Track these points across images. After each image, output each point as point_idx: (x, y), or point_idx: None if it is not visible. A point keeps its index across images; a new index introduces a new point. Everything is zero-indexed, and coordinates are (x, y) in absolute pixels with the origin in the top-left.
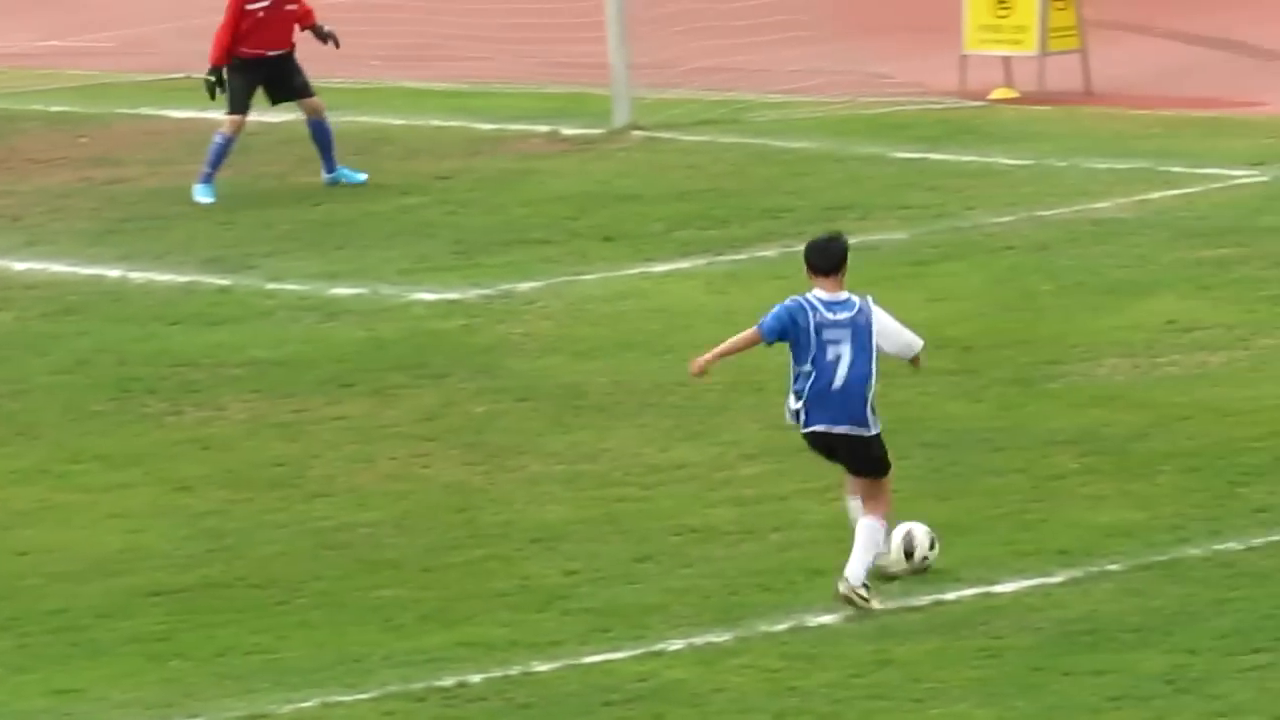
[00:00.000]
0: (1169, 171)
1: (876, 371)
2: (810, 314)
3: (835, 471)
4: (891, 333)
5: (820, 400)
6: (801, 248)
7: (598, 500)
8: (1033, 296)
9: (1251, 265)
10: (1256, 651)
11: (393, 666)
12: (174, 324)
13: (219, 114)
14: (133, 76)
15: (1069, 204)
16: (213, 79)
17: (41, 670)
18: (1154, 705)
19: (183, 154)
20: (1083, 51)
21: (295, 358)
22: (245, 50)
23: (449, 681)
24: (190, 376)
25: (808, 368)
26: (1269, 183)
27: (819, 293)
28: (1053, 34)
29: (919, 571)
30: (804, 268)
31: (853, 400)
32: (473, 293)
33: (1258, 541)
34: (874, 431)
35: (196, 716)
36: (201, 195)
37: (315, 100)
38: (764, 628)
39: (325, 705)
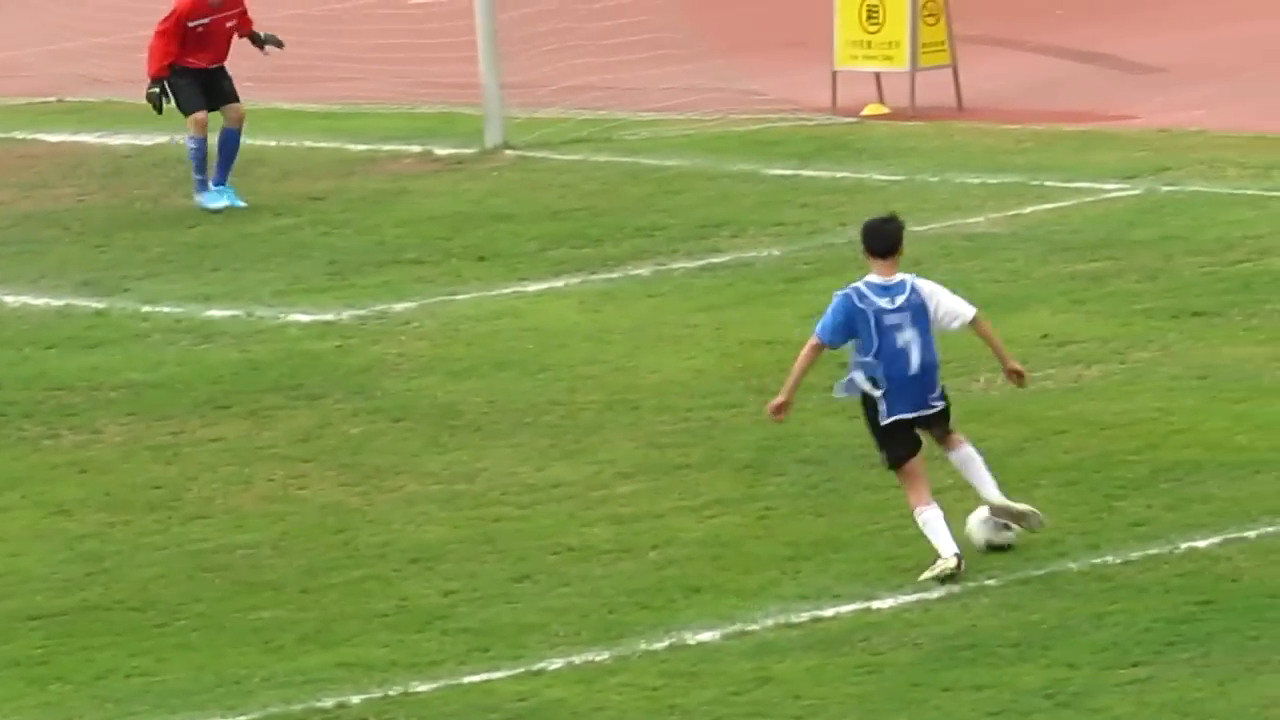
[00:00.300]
0: (1041, 186)
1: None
2: (866, 307)
3: (713, 489)
4: (946, 305)
5: (900, 390)
6: (675, 265)
7: (475, 520)
8: None
9: (1125, 279)
10: (1135, 665)
11: (273, 688)
12: (49, 348)
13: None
14: (4, 100)
15: (942, 219)
16: (156, 90)
17: None
18: (1034, 719)
19: (56, 178)
20: (954, 66)
21: (171, 380)
22: (183, 62)
23: (329, 703)
24: (66, 400)
25: (872, 359)
26: (1141, 196)
27: (872, 278)
28: (924, 49)
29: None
30: (860, 250)
31: (930, 382)
32: (347, 313)
33: (1135, 555)
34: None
35: None
36: (209, 201)
37: (239, 107)
38: (643, 646)
39: None
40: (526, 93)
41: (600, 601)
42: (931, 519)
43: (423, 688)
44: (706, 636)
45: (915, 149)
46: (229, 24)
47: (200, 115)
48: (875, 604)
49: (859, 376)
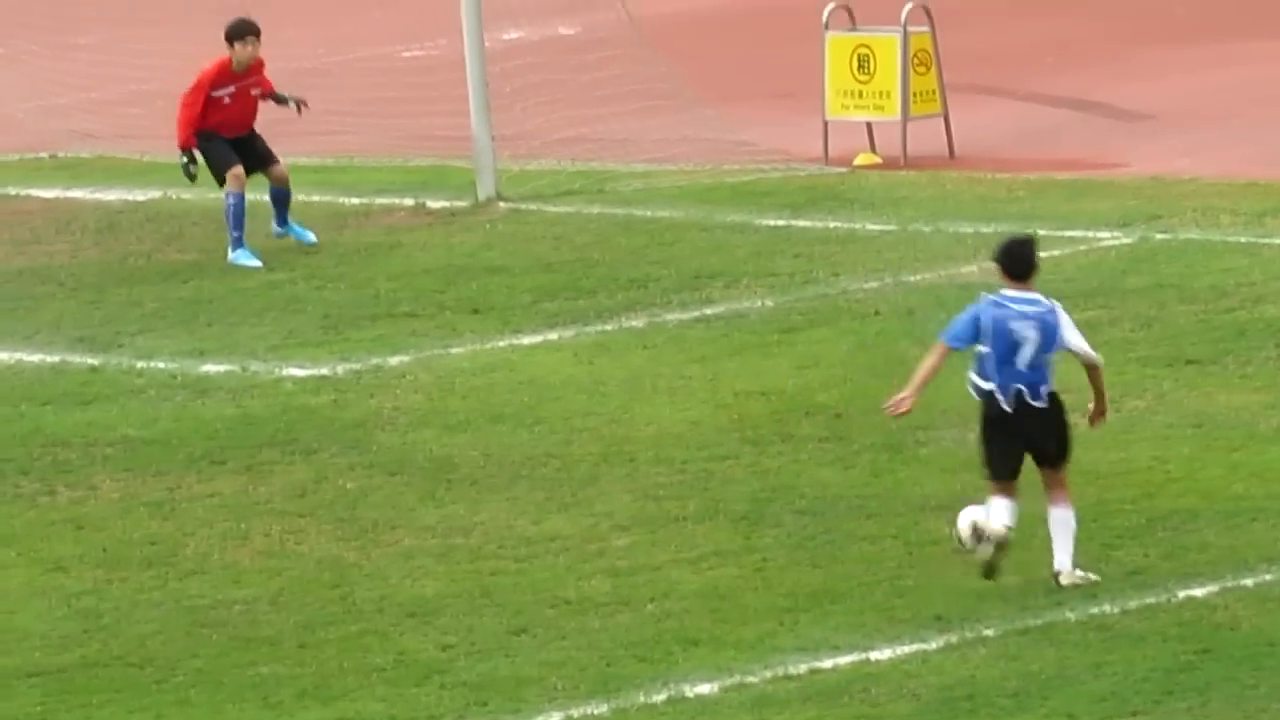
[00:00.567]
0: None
1: (1053, 370)
2: (998, 311)
3: (710, 541)
4: (1078, 339)
5: (1008, 379)
6: (669, 316)
7: (472, 573)
8: (901, 362)
9: (1120, 327)
10: (1134, 714)
11: None
12: (45, 404)
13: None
14: None
15: (935, 269)
16: (186, 159)
17: None
18: None
19: (50, 233)
20: (945, 115)
21: (167, 435)
22: (210, 128)
23: None
24: (62, 456)
25: (988, 349)
26: (1134, 244)
27: (1008, 291)
28: (915, 99)
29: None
30: (998, 273)
31: (1037, 380)
32: (342, 367)
33: (1133, 604)
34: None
35: None
36: (242, 259)
37: (281, 166)
38: (641, 699)
39: None
40: (518, 145)
41: (598, 654)
42: (999, 503)
43: None
44: (705, 689)
45: (908, 198)
46: (253, 91)
47: (236, 169)
48: (873, 655)
49: (971, 374)
